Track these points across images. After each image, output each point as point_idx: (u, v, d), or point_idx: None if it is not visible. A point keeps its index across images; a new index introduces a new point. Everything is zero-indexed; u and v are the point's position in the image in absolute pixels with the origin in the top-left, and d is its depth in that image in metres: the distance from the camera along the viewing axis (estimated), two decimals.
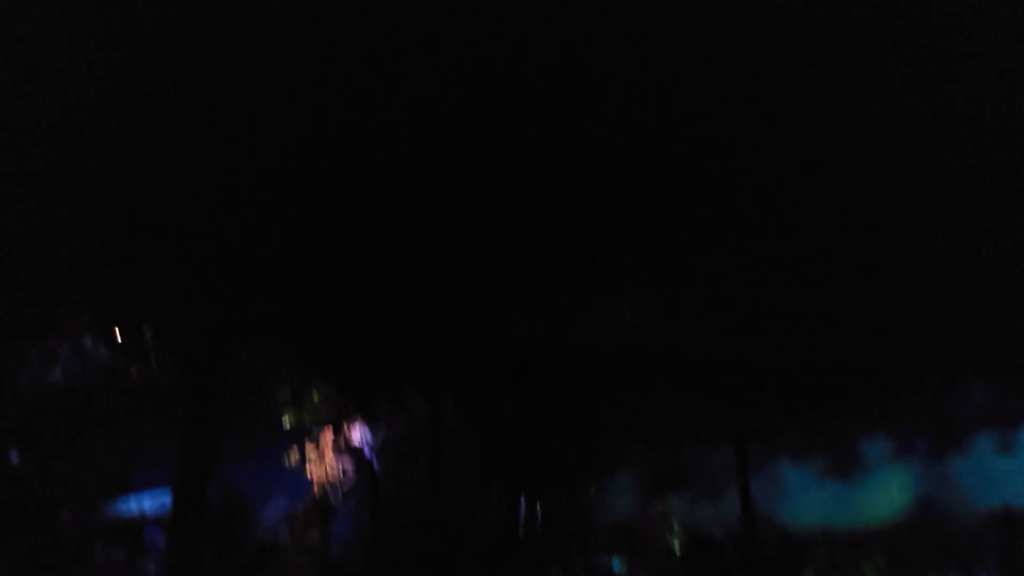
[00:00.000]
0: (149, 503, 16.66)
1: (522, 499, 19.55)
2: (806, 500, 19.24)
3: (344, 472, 19.86)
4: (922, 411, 19.33)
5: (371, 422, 19.97)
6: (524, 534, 19.59)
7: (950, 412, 18.86)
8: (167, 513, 18.18)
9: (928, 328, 17.07)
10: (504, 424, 18.86)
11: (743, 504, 16.64)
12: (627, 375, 14.59)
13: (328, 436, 19.79)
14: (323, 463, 19.76)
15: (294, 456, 19.67)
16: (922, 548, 14.37)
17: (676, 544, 19.15)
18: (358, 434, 19.99)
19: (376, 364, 15.62)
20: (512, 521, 19.80)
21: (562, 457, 18.91)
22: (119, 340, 14.06)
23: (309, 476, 19.82)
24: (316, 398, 18.99)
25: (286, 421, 19.62)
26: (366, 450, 20.03)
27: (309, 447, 19.65)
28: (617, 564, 19.01)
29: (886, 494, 18.62)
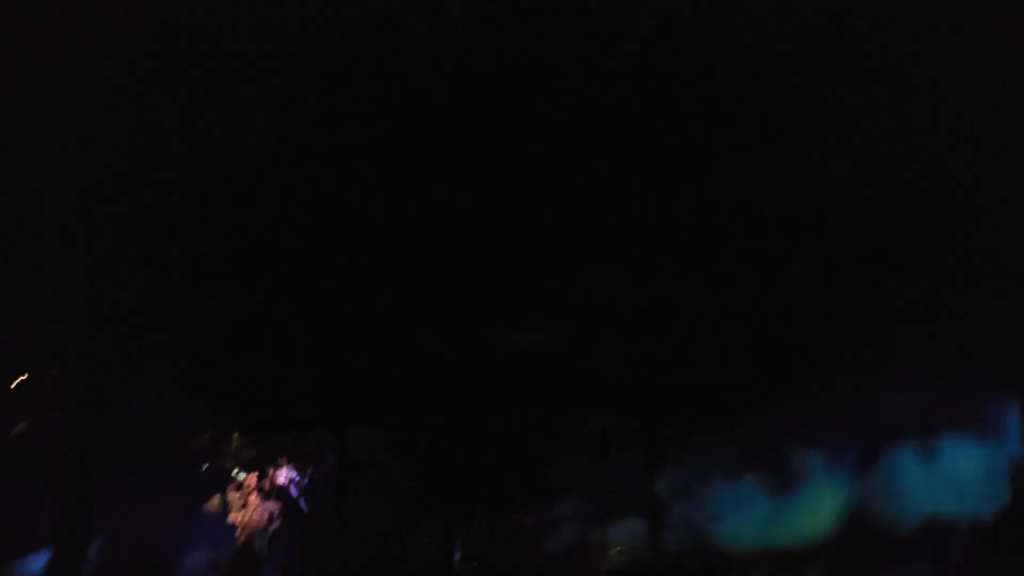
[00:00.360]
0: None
1: (456, 535, 19.06)
2: (740, 519, 19.22)
3: (270, 516, 19.09)
4: (847, 421, 19.55)
5: (297, 463, 19.27)
6: (459, 570, 19.06)
7: (875, 421, 19.11)
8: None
9: (849, 337, 17.33)
10: (431, 458, 18.41)
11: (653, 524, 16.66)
12: (548, 401, 14.41)
13: (252, 480, 19.03)
14: (247, 508, 18.96)
15: (216, 503, 18.84)
16: (856, 560, 14.42)
17: (615, 570, 18.88)
18: (284, 476, 19.27)
19: (291, 403, 15.07)
20: (447, 557, 19.26)
21: (493, 489, 18.51)
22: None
23: (233, 522, 19.00)
24: (235, 442, 18.27)
25: (206, 467, 18.82)
26: (292, 491, 19.31)
27: (231, 493, 18.86)
28: None
29: (819, 508, 18.72)
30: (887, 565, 13.20)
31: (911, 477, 17.43)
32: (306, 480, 19.29)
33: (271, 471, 19.38)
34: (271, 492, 19.29)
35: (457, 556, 19.07)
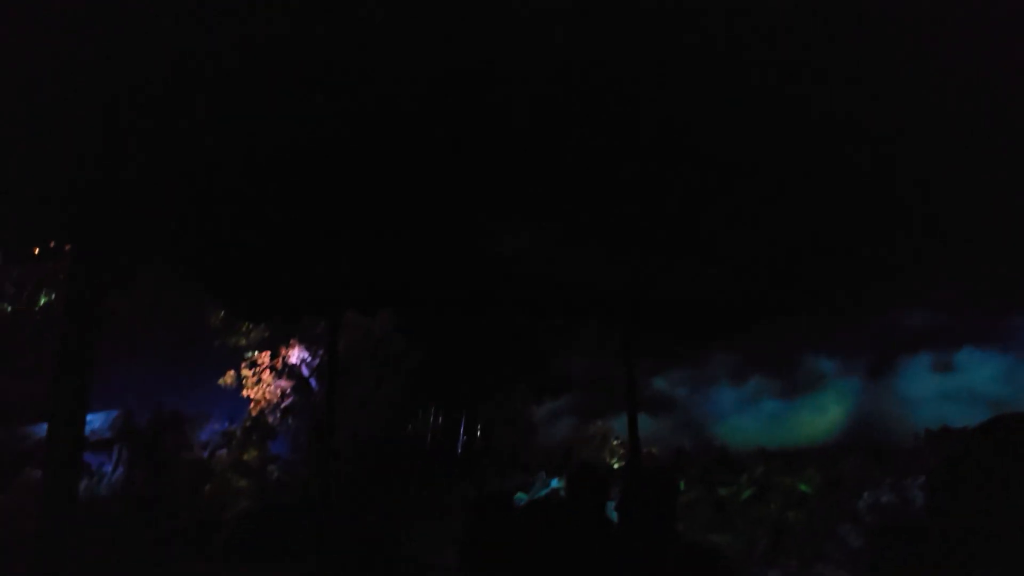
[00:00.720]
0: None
1: (461, 420, 19.47)
2: (744, 420, 19.28)
3: (282, 393, 19.66)
4: (862, 330, 19.10)
5: (308, 342, 19.63)
6: (462, 453, 19.58)
7: (889, 331, 18.65)
8: (96, 435, 18.04)
9: (867, 244, 16.83)
10: (442, 344, 18.55)
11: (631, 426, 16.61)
12: (554, 298, 14.28)
13: (264, 357, 19.49)
14: (260, 384, 19.53)
15: (230, 379, 19.42)
16: (858, 465, 14.34)
17: (615, 463, 19.23)
18: (295, 355, 19.70)
19: (308, 284, 15.14)
20: (451, 440, 19.77)
21: (500, 379, 18.70)
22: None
23: (246, 397, 19.64)
24: (248, 323, 18.57)
25: (223, 342, 19.28)
26: (304, 370, 19.78)
27: (245, 370, 19.38)
28: (556, 482, 19.02)
29: (825, 413, 18.61)
30: (890, 471, 13.02)
31: (924, 388, 17.09)
32: (317, 359, 19.70)
33: (283, 350, 19.79)
34: (283, 370, 19.78)
35: (461, 439, 19.59)
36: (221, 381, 19.45)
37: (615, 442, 19.33)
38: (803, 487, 15.35)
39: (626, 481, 2.94)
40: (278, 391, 19.83)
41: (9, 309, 16.96)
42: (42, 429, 15.24)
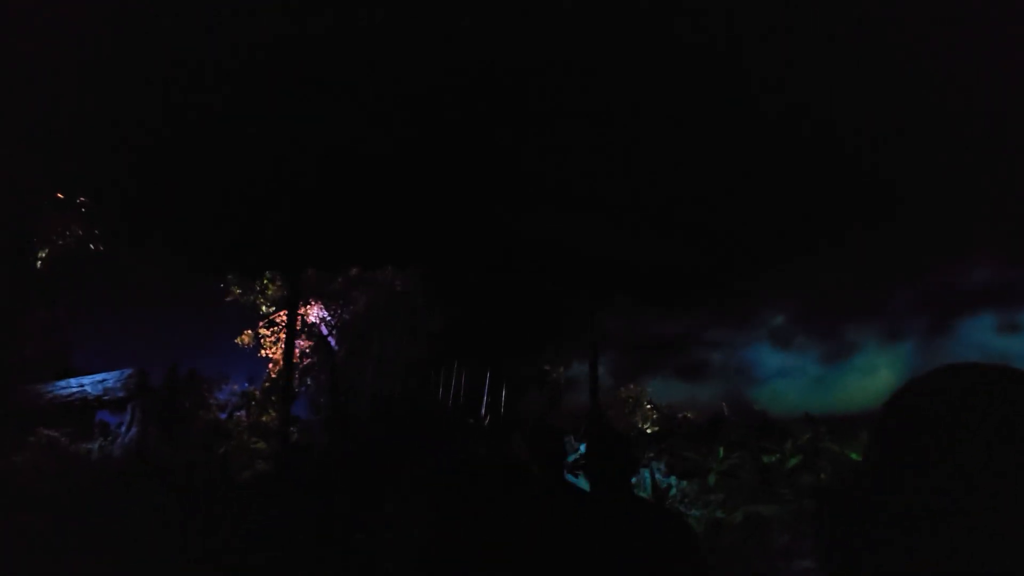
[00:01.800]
0: (90, 385, 16.02)
1: (487, 379, 18.64)
2: (788, 384, 18.16)
3: (300, 353, 19.03)
4: (917, 290, 17.80)
5: (327, 299, 18.92)
6: (486, 414, 18.79)
7: (947, 291, 17.32)
8: (109, 393, 17.56)
9: (923, 202, 15.63)
10: (467, 304, 17.69)
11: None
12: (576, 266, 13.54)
13: (283, 316, 18.83)
14: (278, 344, 18.91)
15: (248, 339, 18.83)
16: (906, 429, 13.15)
17: (647, 427, 18.28)
18: (314, 312, 19.01)
19: (327, 244, 14.44)
20: (475, 401, 18.98)
21: (528, 340, 17.80)
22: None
23: (266, 357, 19.05)
24: (267, 281, 17.88)
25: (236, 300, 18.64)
26: (323, 329, 19.09)
27: (263, 330, 18.77)
28: (584, 447, 18.15)
29: (874, 377, 17.42)
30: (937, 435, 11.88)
31: (985, 351, 15.78)
32: (335, 318, 18.99)
33: (302, 308, 19.10)
34: (302, 329, 19.12)
35: (486, 400, 18.81)
36: (238, 340, 18.87)
37: (647, 406, 18.36)
38: (853, 455, 14.20)
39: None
40: (296, 350, 19.18)
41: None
42: (56, 387, 14.83)
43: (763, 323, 19.48)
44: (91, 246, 15.59)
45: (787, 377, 18.58)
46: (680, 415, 18.00)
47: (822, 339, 18.36)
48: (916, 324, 17.44)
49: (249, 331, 18.85)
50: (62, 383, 15.79)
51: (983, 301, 16.33)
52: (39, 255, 16.39)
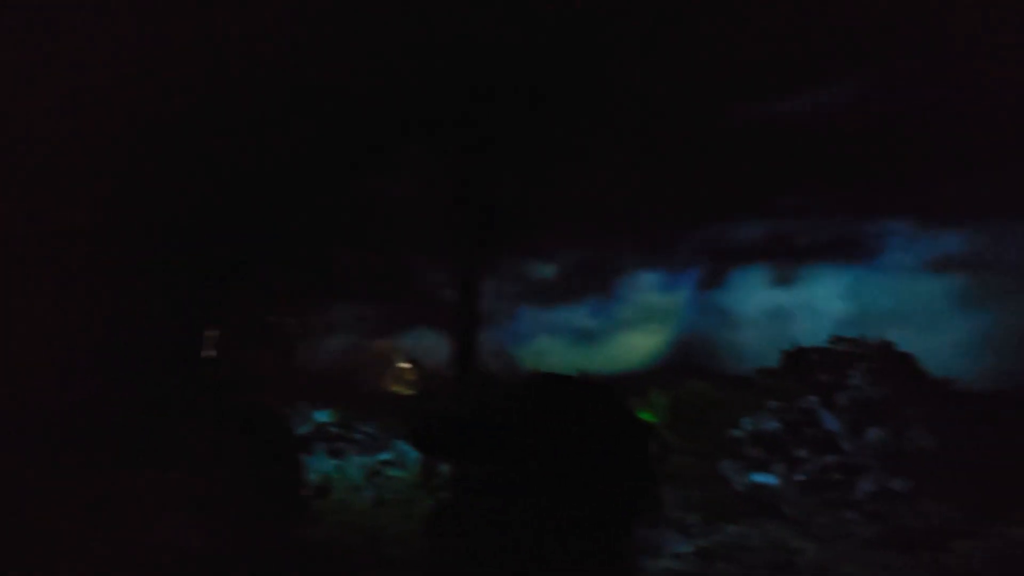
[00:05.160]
0: None
1: (193, 334, 14.05)
2: (556, 342, 16.32)
3: None
4: (691, 241, 16.88)
5: None
6: (201, 374, 14.22)
7: (722, 242, 16.58)
8: None
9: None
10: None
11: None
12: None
13: None
14: None
15: None
16: (705, 391, 11.76)
17: (404, 388, 15.13)
18: None
19: None
20: (182, 361, 14.30)
21: (248, 280, 13.65)
22: None
23: None
24: None
25: None
26: None
27: None
28: (327, 416, 14.51)
29: (651, 333, 16.19)
30: (754, 398, 10.47)
31: (760, 303, 15.17)
32: None
33: None
34: None
35: (205, 353, 14.28)
36: None
37: (405, 365, 15.23)
38: (646, 416, 12.56)
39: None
40: None
41: None
42: None
43: (534, 276, 17.35)
44: None
45: (557, 334, 16.63)
46: (435, 372, 15.17)
47: (595, 292, 16.68)
48: (690, 277, 16.42)
49: None
50: None
51: (758, 254, 15.64)
52: None
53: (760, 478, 9.15)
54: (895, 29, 13.61)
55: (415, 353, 15.61)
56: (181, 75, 11.38)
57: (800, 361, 10.74)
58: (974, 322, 12.12)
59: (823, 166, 15.40)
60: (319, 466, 11.54)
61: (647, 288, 16.56)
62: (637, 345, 16.00)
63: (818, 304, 14.60)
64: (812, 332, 13.49)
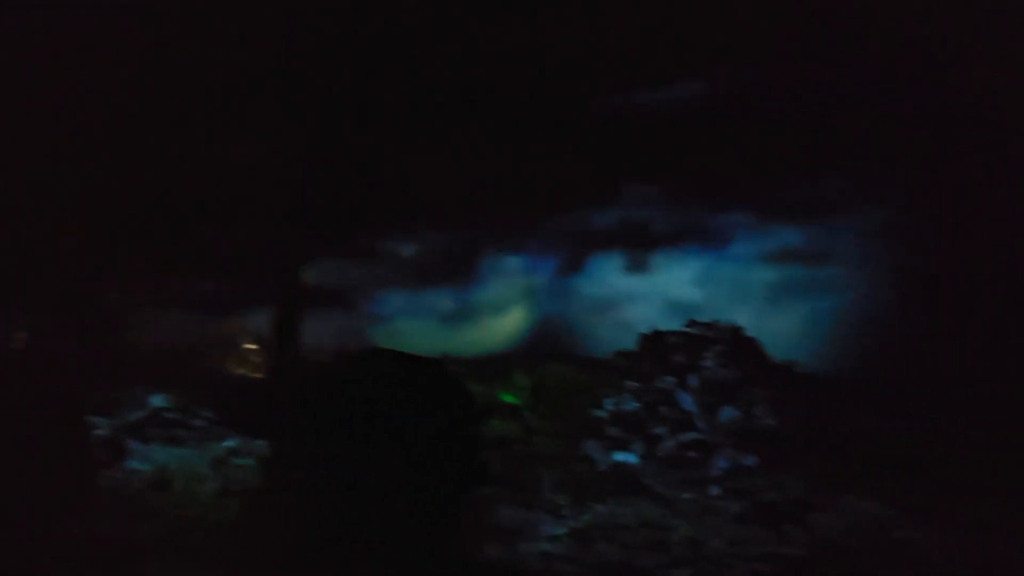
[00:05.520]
0: None
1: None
2: (415, 324, 15.90)
3: None
4: (551, 227, 17.04)
5: None
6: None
7: (580, 229, 16.87)
8: None
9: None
10: None
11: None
12: None
13: None
14: None
15: None
16: (567, 374, 11.79)
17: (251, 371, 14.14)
18: None
19: None
20: None
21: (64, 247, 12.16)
22: None
23: None
24: None
25: None
26: None
27: None
28: (163, 400, 13.32)
29: (506, 316, 16.14)
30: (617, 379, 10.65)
31: (615, 289, 15.51)
32: None
33: None
34: None
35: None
36: None
37: (250, 346, 14.26)
38: (508, 398, 12.42)
39: None
40: None
41: None
42: None
43: (389, 255, 16.79)
44: None
45: (412, 315, 16.20)
46: (289, 356, 14.28)
47: (454, 275, 16.42)
48: (548, 262, 16.53)
49: None
50: None
51: (614, 240, 16.00)
52: None
53: (622, 457, 9.32)
54: (750, 28, 14.33)
55: (261, 334, 14.64)
56: None
57: (657, 344, 11.05)
58: (810, 309, 13.06)
59: (676, 159, 16.03)
60: (156, 456, 10.48)
61: (509, 272, 16.52)
62: (498, 328, 15.92)
63: (670, 290, 15.19)
64: (665, 317, 14.03)
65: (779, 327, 12.24)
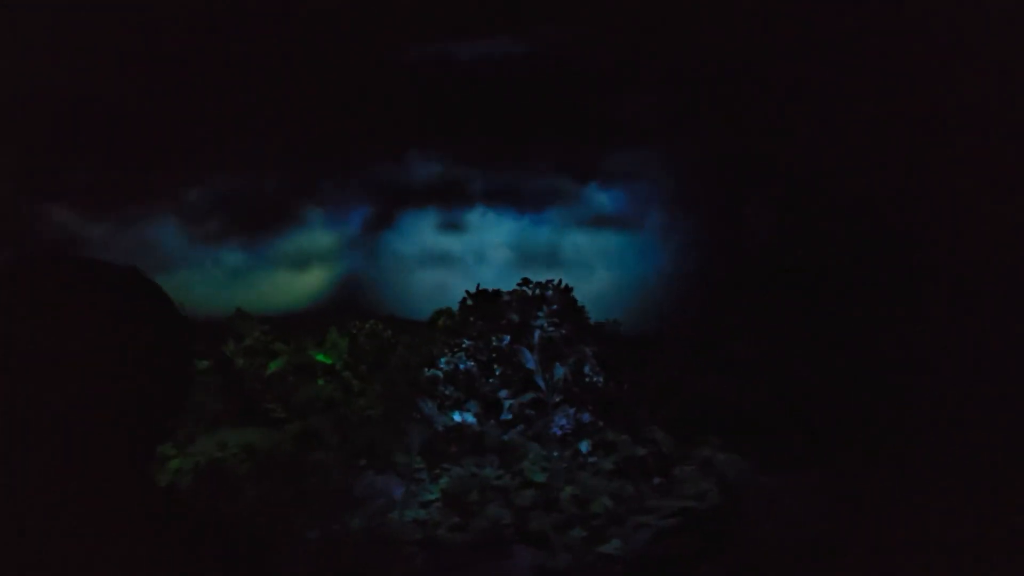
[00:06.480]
0: None
1: None
2: (203, 277, 14.12)
3: None
4: (356, 181, 16.00)
5: None
6: None
7: (389, 183, 15.99)
8: None
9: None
10: None
11: None
12: None
13: None
14: None
15: None
16: (383, 332, 10.98)
17: None
18: None
19: None
20: None
21: None
22: None
23: None
24: None
25: None
26: None
27: None
28: None
29: (306, 271, 14.87)
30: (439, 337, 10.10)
31: (427, 247, 14.86)
32: None
33: None
34: None
35: None
36: None
37: None
38: (321, 357, 11.25)
39: None
40: None
41: None
42: None
43: (173, 196, 14.73)
44: None
45: (199, 267, 14.40)
46: None
47: (245, 227, 14.81)
48: (354, 217, 15.48)
49: None
50: None
51: (427, 197, 15.36)
52: None
53: (458, 417, 8.86)
54: None
55: None
56: None
57: (486, 302, 10.69)
58: (625, 272, 13.50)
59: (495, 118, 15.72)
60: None
61: (312, 225, 15.20)
62: (299, 284, 14.61)
63: (486, 249, 14.95)
64: (482, 276, 13.73)
65: (594, 288, 12.49)
